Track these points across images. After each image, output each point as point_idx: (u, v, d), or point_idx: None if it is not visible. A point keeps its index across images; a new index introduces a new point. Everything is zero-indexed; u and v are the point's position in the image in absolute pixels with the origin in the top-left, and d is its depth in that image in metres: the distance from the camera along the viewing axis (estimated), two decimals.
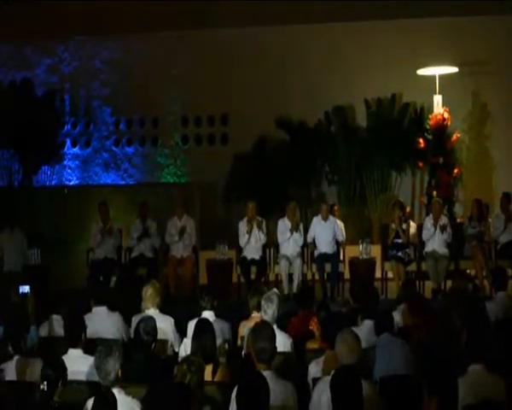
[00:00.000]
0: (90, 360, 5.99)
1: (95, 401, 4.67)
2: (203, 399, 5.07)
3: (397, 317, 7.05)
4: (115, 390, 5.08)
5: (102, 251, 11.82)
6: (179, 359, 6.57)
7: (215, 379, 5.74)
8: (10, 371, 6.03)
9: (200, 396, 5.02)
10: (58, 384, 5.16)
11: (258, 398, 4.47)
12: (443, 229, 11.31)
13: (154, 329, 6.19)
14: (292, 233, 11.39)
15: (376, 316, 6.42)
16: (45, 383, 5.10)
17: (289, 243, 11.47)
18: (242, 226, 11.54)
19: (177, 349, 7.26)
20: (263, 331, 5.35)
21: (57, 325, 7.33)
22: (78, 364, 5.95)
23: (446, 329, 6.83)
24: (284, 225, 11.55)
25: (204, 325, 6.15)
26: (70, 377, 5.62)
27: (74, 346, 6.13)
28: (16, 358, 6.10)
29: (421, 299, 7.57)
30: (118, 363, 5.13)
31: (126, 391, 5.14)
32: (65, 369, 5.28)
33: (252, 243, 11.45)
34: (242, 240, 11.49)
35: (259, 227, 11.42)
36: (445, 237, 11.38)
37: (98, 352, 5.18)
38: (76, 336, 6.19)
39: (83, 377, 5.86)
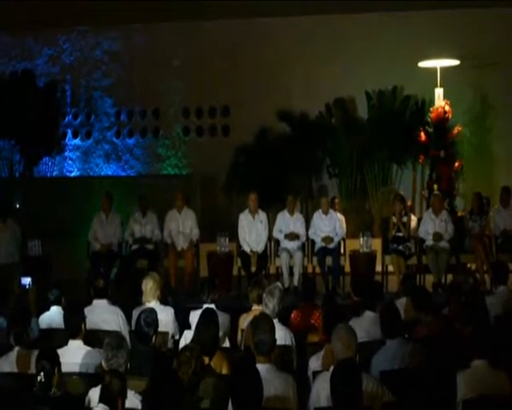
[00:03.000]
0: (91, 351, 6.02)
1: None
2: (204, 389, 5.08)
3: None
4: None
5: (103, 243, 11.81)
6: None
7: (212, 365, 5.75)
8: (10, 363, 6.04)
9: (198, 386, 5.02)
10: (54, 373, 5.19)
11: (251, 392, 4.46)
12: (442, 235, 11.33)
13: (156, 321, 6.18)
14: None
15: (385, 319, 6.20)
16: (42, 374, 5.13)
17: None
18: (243, 219, 11.52)
19: (177, 337, 7.29)
20: (262, 324, 5.36)
21: (58, 316, 7.33)
22: (78, 355, 5.97)
23: (447, 323, 6.83)
24: (284, 218, 11.55)
25: (210, 316, 6.14)
26: (71, 368, 5.64)
27: (74, 337, 6.14)
28: (17, 349, 6.11)
29: (426, 293, 7.51)
30: (128, 355, 5.15)
31: (128, 384, 5.15)
32: (58, 358, 5.30)
33: (253, 237, 11.43)
34: (242, 234, 11.47)
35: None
36: (447, 237, 11.38)
37: (108, 344, 5.18)
38: (76, 327, 6.20)
39: (83, 369, 5.88)
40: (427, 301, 7.06)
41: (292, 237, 11.41)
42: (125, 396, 4.76)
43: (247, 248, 11.36)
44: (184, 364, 4.95)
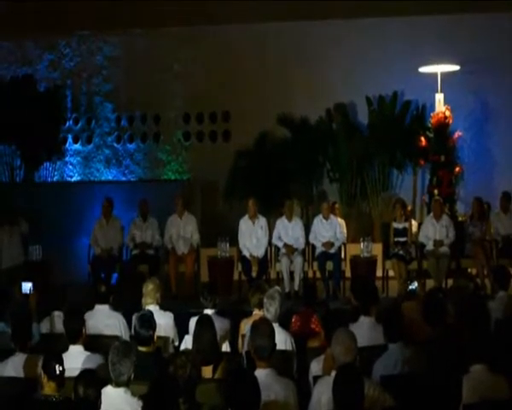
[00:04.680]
0: (91, 356, 6.02)
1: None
2: (203, 395, 5.07)
3: None
4: (121, 390, 5.09)
5: (104, 247, 11.81)
6: None
7: (215, 377, 5.74)
8: (12, 368, 6.03)
9: (195, 391, 5.02)
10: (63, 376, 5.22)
11: (248, 398, 4.46)
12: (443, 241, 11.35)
13: (151, 321, 6.15)
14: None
15: (387, 323, 6.18)
16: (60, 367, 5.20)
17: (290, 242, 11.46)
18: (243, 225, 11.52)
19: (176, 343, 7.29)
20: (261, 329, 5.35)
21: (58, 321, 7.33)
22: (79, 360, 5.95)
23: (448, 328, 6.81)
24: (283, 225, 11.55)
25: (205, 322, 6.14)
26: (71, 373, 5.62)
27: (74, 342, 6.14)
28: (19, 355, 6.10)
29: (438, 298, 7.48)
30: (133, 366, 5.14)
31: (130, 389, 5.14)
32: (63, 362, 5.33)
33: (253, 242, 11.43)
34: (242, 239, 11.46)
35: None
36: (448, 242, 11.42)
37: (116, 348, 5.18)
38: (75, 332, 6.19)
39: None
40: (440, 310, 6.96)
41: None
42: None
43: (247, 254, 11.36)
44: (180, 368, 4.94)
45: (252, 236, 11.44)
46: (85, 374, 4.94)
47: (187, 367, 4.95)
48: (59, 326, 7.19)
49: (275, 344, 5.34)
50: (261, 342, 5.24)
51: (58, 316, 7.43)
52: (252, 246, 11.39)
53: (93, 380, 4.82)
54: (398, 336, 5.98)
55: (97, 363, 5.84)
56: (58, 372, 5.20)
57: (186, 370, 4.94)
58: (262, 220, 11.56)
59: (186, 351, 5.31)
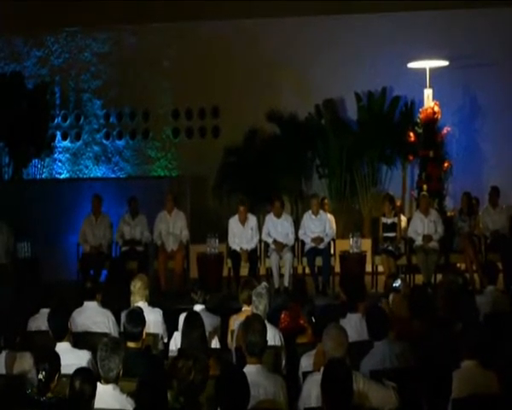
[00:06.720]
0: (79, 353, 5.99)
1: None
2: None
3: None
4: (110, 386, 5.07)
5: (93, 244, 11.78)
6: (170, 352, 6.58)
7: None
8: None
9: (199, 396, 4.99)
10: (54, 377, 5.20)
11: (236, 394, 4.46)
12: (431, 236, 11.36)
13: (140, 318, 6.12)
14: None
15: (370, 320, 6.13)
16: (43, 373, 5.14)
17: (279, 238, 11.45)
18: (233, 224, 11.49)
19: (165, 340, 7.29)
20: (253, 325, 5.36)
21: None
22: (66, 357, 5.91)
23: (438, 322, 6.83)
24: (272, 221, 11.53)
25: (193, 319, 6.14)
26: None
27: (61, 339, 6.11)
28: (5, 352, 6.07)
29: (423, 292, 7.48)
30: (121, 362, 5.12)
31: (119, 386, 5.13)
32: (59, 360, 5.30)
33: (243, 241, 11.40)
34: (232, 238, 11.44)
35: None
36: (437, 237, 11.44)
37: (105, 344, 5.16)
38: (60, 329, 6.16)
39: (72, 371, 5.84)
40: (427, 305, 6.96)
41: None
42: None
43: (237, 247, 11.34)
44: (184, 373, 4.90)
45: (242, 236, 11.42)
46: (83, 370, 4.93)
47: (191, 373, 4.90)
48: (47, 323, 7.16)
49: (266, 341, 5.35)
50: (253, 339, 5.25)
51: (46, 313, 7.39)
52: (241, 243, 11.38)
53: (90, 377, 4.80)
54: (383, 334, 5.96)
55: (85, 360, 5.82)
56: (48, 373, 5.16)
57: (189, 375, 4.89)
58: (252, 221, 11.50)
59: (195, 356, 5.18)
